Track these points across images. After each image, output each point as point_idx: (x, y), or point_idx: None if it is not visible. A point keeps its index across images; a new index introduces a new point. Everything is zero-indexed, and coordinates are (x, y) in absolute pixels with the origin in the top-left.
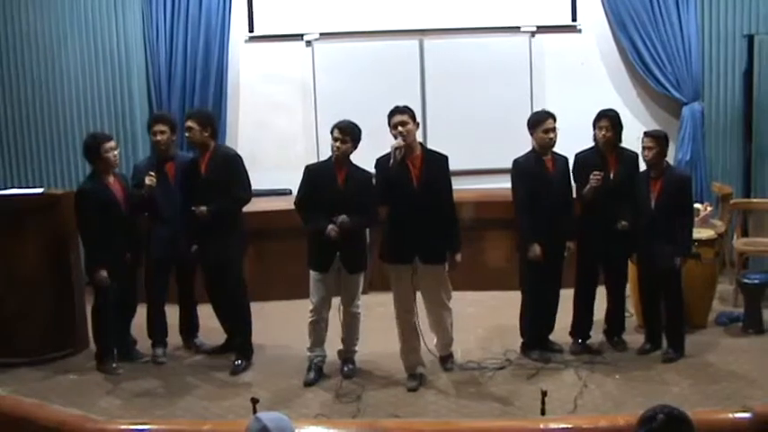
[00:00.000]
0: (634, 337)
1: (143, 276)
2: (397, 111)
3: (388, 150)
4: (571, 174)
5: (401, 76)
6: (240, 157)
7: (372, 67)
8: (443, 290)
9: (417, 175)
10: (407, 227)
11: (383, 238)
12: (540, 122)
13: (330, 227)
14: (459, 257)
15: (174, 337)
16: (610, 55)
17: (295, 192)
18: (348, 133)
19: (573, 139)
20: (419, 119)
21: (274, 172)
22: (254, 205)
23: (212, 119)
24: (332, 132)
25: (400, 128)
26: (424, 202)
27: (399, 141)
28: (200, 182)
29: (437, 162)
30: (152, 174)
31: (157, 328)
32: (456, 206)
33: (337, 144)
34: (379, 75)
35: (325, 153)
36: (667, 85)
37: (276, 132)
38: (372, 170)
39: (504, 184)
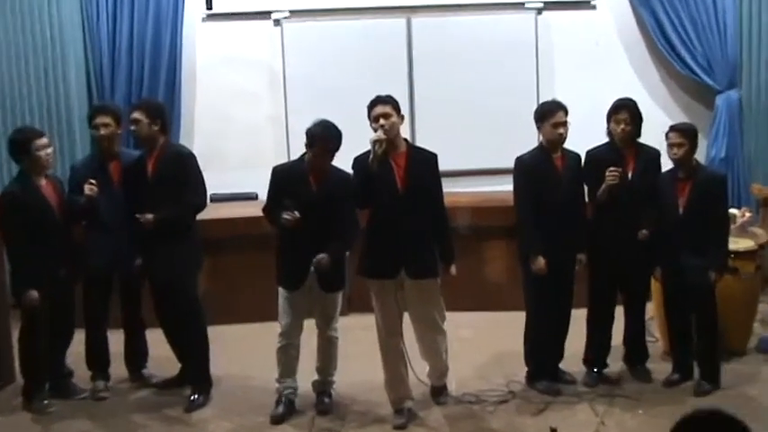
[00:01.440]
0: (660, 365)
1: (80, 296)
2: (378, 101)
3: (368, 148)
4: (583, 174)
5: (384, 61)
6: (193, 156)
7: (351, 51)
8: (435, 309)
9: (402, 175)
10: (391, 235)
11: (363, 249)
12: (549, 115)
13: (285, 214)
14: (454, 270)
15: (117, 368)
16: (629, 34)
17: (263, 196)
18: (328, 141)
19: (585, 134)
20: (405, 111)
21: (237, 172)
22: (214, 211)
23: (163, 110)
24: (310, 143)
25: (382, 120)
26: (409, 205)
27: (379, 134)
28: (146, 184)
29: (425, 161)
30: (92, 181)
31: (98, 358)
32: (447, 211)
33: (314, 156)
34: (359, 59)
35: (298, 149)
36: (697, 69)
37: (239, 126)
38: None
39: (505, 186)
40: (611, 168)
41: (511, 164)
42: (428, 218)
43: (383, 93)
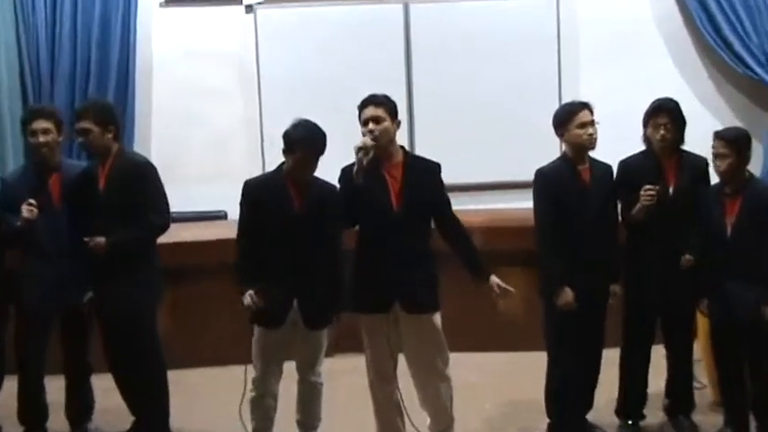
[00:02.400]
0: (708, 417)
1: (12, 336)
2: (369, 102)
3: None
4: (615, 188)
5: (377, 55)
6: (153, 168)
7: (338, 43)
8: (436, 351)
9: (397, 190)
10: (383, 261)
11: (350, 277)
12: (572, 116)
13: (247, 295)
14: (498, 280)
15: (57, 422)
16: (669, 22)
17: (233, 215)
18: (311, 144)
19: (617, 141)
20: (403, 114)
21: (202, 186)
22: (175, 233)
23: (113, 114)
24: (291, 148)
25: (371, 125)
26: (405, 226)
27: (366, 140)
28: (97, 202)
29: (425, 172)
30: (32, 202)
31: (33, 410)
32: (459, 219)
33: (295, 163)
34: (347, 53)
35: (275, 158)
36: (752, 63)
37: (204, 131)
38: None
39: (522, 202)
40: (647, 186)
41: (528, 177)
42: (427, 240)
43: (377, 92)
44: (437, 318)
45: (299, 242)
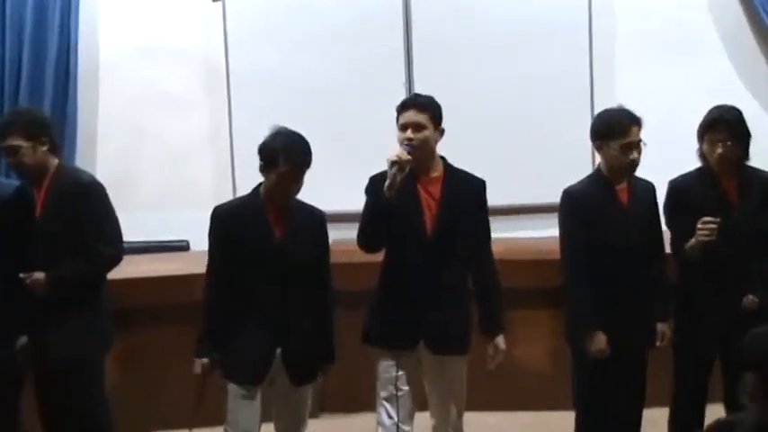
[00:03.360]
0: None
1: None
2: (412, 104)
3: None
4: (661, 212)
5: (372, 52)
6: (101, 188)
7: (324, 38)
8: (456, 399)
9: (434, 211)
10: (411, 292)
11: (371, 306)
12: (619, 132)
13: (200, 363)
14: (502, 343)
15: None
16: (726, 12)
17: (197, 245)
18: (296, 156)
19: (662, 154)
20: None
21: (161, 211)
22: (127, 268)
23: (46, 123)
24: (272, 162)
25: (410, 133)
26: (440, 254)
27: (401, 152)
28: (33, 229)
29: (468, 190)
30: None
31: None
32: (495, 262)
33: (278, 181)
34: (337, 49)
35: (248, 177)
36: None
37: (161, 145)
38: (338, 205)
39: (547, 230)
40: (706, 219)
41: (553, 199)
42: (463, 271)
43: (367, 96)
44: (463, 363)
45: (283, 279)
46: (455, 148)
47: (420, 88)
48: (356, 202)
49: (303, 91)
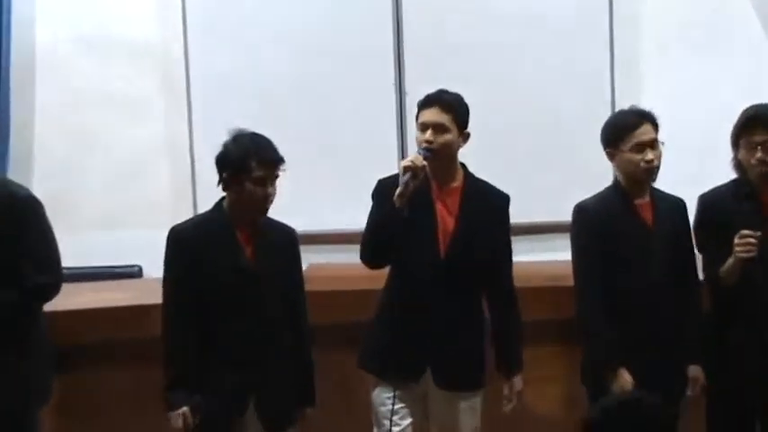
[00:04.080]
0: None
1: None
2: (435, 102)
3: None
4: (692, 232)
5: (358, 44)
6: (38, 204)
7: (301, 31)
8: None
9: (450, 225)
10: (417, 317)
11: (371, 331)
12: (626, 132)
13: (179, 414)
14: (519, 383)
15: None
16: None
17: (151, 271)
18: (266, 161)
19: (693, 165)
20: (392, 122)
21: (108, 231)
22: (69, 299)
23: None
24: (242, 168)
25: (429, 134)
26: (454, 278)
27: (416, 157)
28: None
29: (490, 205)
30: None
31: None
32: (515, 290)
33: (263, 191)
34: (315, 45)
35: (210, 193)
36: None
37: (112, 152)
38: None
39: (561, 252)
40: (745, 233)
41: (565, 216)
42: (478, 298)
43: (351, 98)
44: (477, 400)
45: (255, 310)
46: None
47: (412, 90)
48: (337, 220)
49: (276, 93)
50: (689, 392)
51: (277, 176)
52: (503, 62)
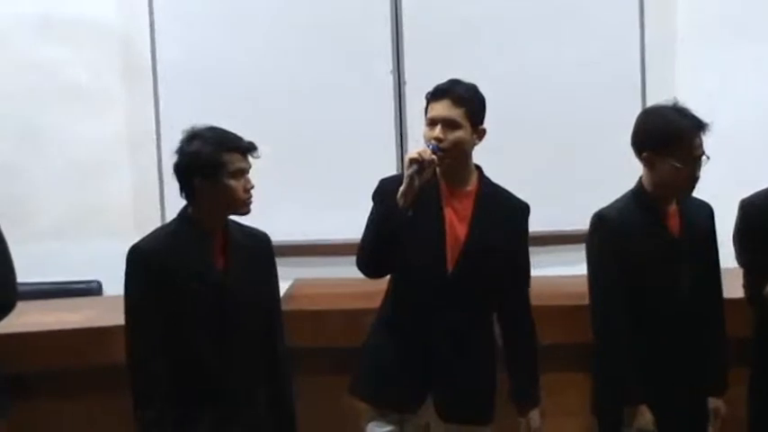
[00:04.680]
0: None
1: None
2: (446, 93)
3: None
4: (732, 242)
5: (350, 29)
6: None
7: (283, 13)
8: None
9: (461, 234)
10: (419, 339)
11: (366, 355)
12: (681, 140)
13: None
14: (537, 418)
15: None
16: None
17: (111, 289)
18: (251, 148)
19: (731, 167)
20: (389, 117)
21: (64, 242)
22: (21, 319)
23: None
24: (215, 165)
25: (438, 131)
26: (461, 294)
27: (425, 150)
28: None
29: (507, 213)
30: None
31: None
32: (532, 311)
33: (243, 186)
34: (300, 29)
35: (179, 195)
36: None
37: (68, 151)
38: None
39: (573, 266)
40: None
41: (581, 226)
42: (490, 319)
43: (342, 90)
44: None
45: (229, 332)
46: None
47: (412, 80)
48: (325, 229)
49: (255, 84)
50: (710, 429)
51: (238, 177)
52: (516, 48)
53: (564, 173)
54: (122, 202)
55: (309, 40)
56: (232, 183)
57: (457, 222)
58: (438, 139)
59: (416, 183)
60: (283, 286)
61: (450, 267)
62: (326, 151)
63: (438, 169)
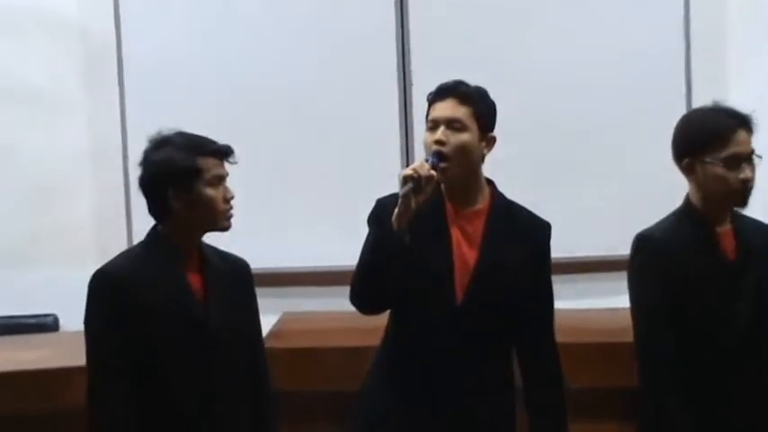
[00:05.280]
0: None
1: None
2: (450, 92)
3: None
4: None
5: (349, 22)
6: None
7: (268, 10)
8: None
9: (472, 260)
10: (427, 378)
11: (365, 393)
12: (720, 138)
13: None
14: None
15: None
16: None
17: (71, 323)
18: (228, 151)
19: None
20: (395, 118)
21: (17, 270)
22: None
23: None
24: (189, 173)
25: (440, 133)
26: (475, 326)
27: (421, 165)
28: None
29: (525, 235)
30: None
31: None
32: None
33: (226, 206)
34: (291, 21)
35: (148, 215)
36: None
37: (21, 163)
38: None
39: (620, 296)
40: None
41: (622, 251)
42: (509, 359)
43: (339, 91)
44: None
45: (210, 368)
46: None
47: (419, 77)
48: (318, 255)
49: (237, 87)
50: None
51: (217, 184)
52: (538, 45)
53: (593, 189)
54: (83, 223)
55: (306, 37)
56: (210, 192)
57: (466, 246)
58: (439, 142)
59: (413, 203)
60: (270, 320)
61: (459, 298)
62: (320, 164)
63: (443, 186)
